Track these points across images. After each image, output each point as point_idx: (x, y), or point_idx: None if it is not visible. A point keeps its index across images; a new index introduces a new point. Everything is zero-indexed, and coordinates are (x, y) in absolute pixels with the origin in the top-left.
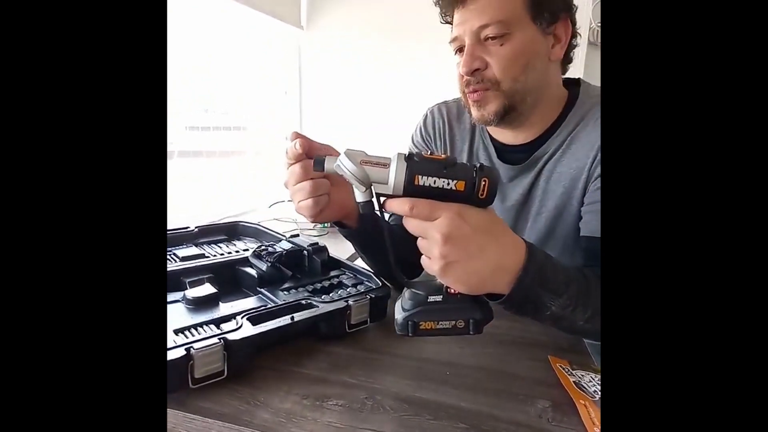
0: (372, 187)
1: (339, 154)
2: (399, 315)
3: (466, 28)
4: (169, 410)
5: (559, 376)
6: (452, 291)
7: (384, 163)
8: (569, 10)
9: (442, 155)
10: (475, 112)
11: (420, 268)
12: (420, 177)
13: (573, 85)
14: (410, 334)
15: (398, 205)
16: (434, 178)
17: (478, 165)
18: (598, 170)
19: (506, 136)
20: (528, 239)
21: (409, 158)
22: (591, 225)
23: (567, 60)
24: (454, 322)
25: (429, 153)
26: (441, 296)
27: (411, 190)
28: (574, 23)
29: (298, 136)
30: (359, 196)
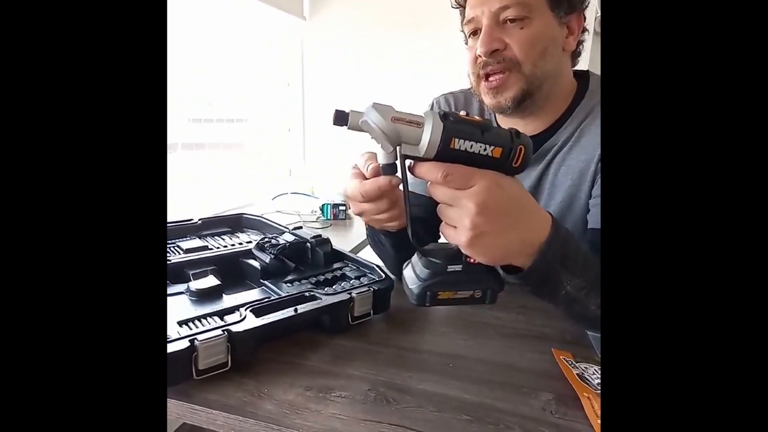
0: (398, 148)
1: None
2: (414, 285)
3: (485, 9)
4: (173, 401)
5: (563, 368)
6: (472, 260)
7: (418, 122)
8: (583, 3)
9: (478, 118)
10: (490, 99)
11: (426, 242)
12: (456, 140)
13: (582, 77)
14: (427, 304)
15: (430, 171)
16: (471, 142)
17: (513, 131)
18: None
19: (516, 126)
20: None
21: (444, 118)
22: (598, 218)
23: (576, 53)
24: (472, 292)
25: (465, 114)
26: (461, 266)
27: (444, 153)
28: (584, 18)
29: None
30: (382, 157)
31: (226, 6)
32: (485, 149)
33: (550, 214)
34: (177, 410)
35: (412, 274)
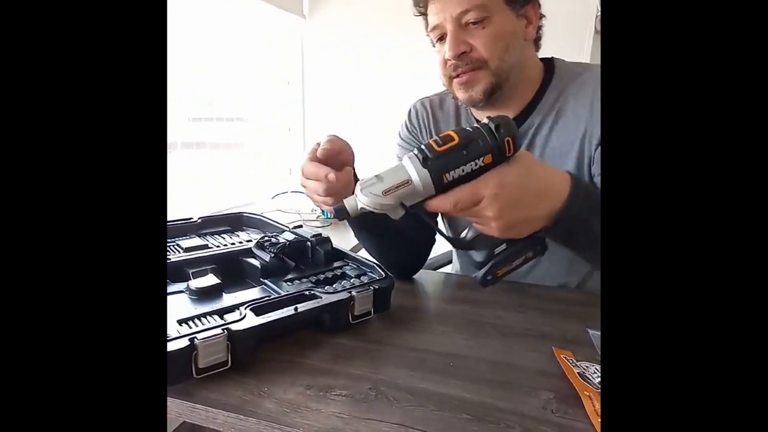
0: (412, 198)
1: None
2: (474, 273)
3: (447, 15)
4: (173, 400)
5: (564, 367)
6: None
7: (406, 181)
8: None
9: (454, 137)
10: (462, 95)
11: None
12: (446, 174)
13: (547, 62)
14: (493, 284)
15: (441, 205)
16: (461, 167)
17: (492, 125)
18: (596, 140)
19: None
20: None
21: (424, 162)
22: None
23: (538, 40)
24: (523, 257)
25: (437, 144)
26: (503, 243)
27: (443, 188)
28: (540, 5)
29: (330, 141)
30: (395, 215)
31: (226, 5)
32: (476, 164)
33: (568, 172)
34: (177, 409)
35: (461, 264)
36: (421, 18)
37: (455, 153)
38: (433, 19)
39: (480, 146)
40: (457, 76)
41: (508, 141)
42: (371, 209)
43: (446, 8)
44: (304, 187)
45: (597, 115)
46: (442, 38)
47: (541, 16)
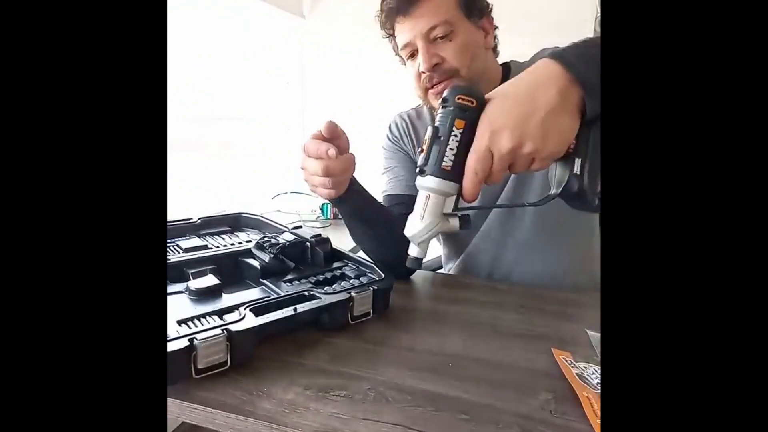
0: (447, 204)
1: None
2: (592, 207)
3: (417, 32)
4: (172, 400)
5: (562, 368)
6: (571, 147)
7: (426, 198)
8: (488, 8)
9: (424, 138)
10: (437, 103)
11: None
12: (444, 164)
13: (504, 66)
14: None
15: (469, 187)
16: (447, 149)
17: (440, 99)
18: None
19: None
20: (504, 197)
21: (421, 172)
22: None
23: (495, 47)
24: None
25: (420, 151)
26: (574, 158)
27: (455, 175)
28: (493, 18)
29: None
30: (451, 228)
31: (225, 5)
32: (456, 135)
33: (548, 58)
34: (176, 409)
35: (579, 204)
36: (388, 40)
37: (434, 144)
38: (402, 38)
39: (445, 121)
40: (432, 87)
41: (460, 98)
42: (425, 237)
43: (415, 26)
44: (303, 170)
45: None
46: (413, 55)
47: (495, 27)
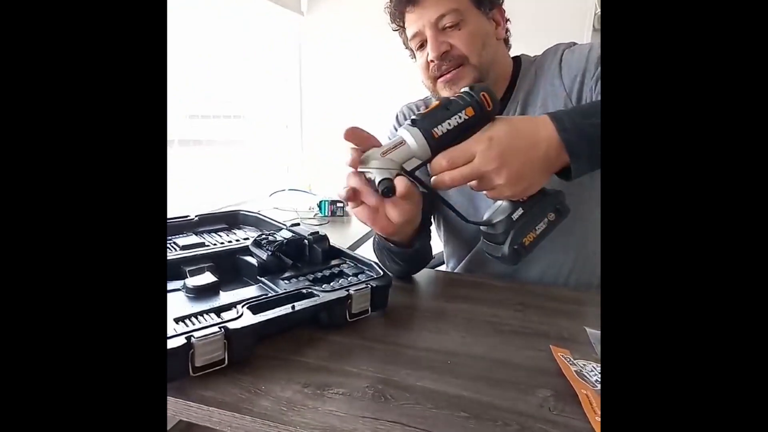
0: (409, 163)
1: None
2: (500, 251)
3: (425, 21)
4: (169, 398)
5: (561, 365)
6: (524, 198)
7: (400, 142)
8: None
9: (436, 102)
10: (447, 92)
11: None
12: (435, 129)
13: (516, 59)
14: (523, 257)
15: (438, 165)
16: (447, 121)
17: (467, 87)
18: (577, 83)
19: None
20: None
21: (413, 123)
22: None
23: (507, 40)
24: (545, 220)
25: (423, 109)
26: (519, 208)
27: (436, 145)
28: (504, 10)
29: (353, 132)
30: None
31: (225, 3)
32: (460, 117)
33: (547, 114)
34: (173, 407)
35: (490, 245)
36: (398, 33)
37: (439, 111)
38: (412, 28)
39: (460, 103)
40: (441, 75)
41: (484, 95)
42: (372, 173)
43: (423, 15)
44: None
45: (568, 69)
46: (422, 46)
47: (507, 20)
